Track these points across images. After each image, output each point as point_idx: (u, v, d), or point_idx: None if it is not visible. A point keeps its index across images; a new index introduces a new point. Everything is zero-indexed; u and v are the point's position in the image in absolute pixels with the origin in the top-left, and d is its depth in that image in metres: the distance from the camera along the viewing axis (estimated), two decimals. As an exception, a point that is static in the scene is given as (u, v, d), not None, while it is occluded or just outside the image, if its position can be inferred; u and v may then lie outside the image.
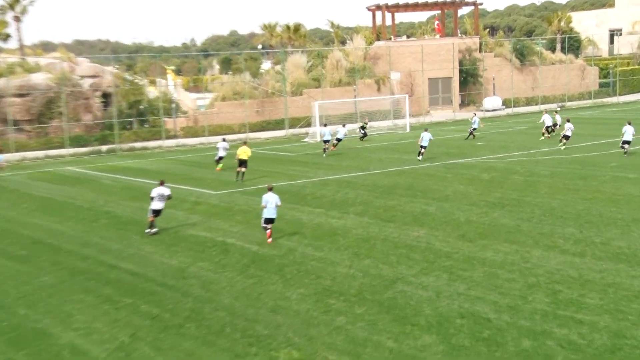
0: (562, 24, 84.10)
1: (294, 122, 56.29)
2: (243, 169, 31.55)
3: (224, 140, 36.91)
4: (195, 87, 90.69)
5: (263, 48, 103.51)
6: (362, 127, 47.70)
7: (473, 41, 68.33)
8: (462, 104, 67.79)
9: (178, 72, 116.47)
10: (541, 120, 43.45)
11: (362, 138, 47.02)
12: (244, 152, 31.41)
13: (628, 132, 33.40)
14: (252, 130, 54.99)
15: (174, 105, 54.49)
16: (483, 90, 66.23)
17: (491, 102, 65.44)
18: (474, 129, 44.30)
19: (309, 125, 53.76)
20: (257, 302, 15.42)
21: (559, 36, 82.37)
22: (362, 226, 21.82)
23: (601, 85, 76.20)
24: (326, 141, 40.14)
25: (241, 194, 28.56)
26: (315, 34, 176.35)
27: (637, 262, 16.55)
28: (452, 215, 22.60)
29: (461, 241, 19.37)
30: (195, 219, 24.25)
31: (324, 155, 39.62)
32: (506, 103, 66.58)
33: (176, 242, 21.09)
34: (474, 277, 16.20)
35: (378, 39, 69.81)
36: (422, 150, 35.48)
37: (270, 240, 20.47)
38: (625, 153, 33.48)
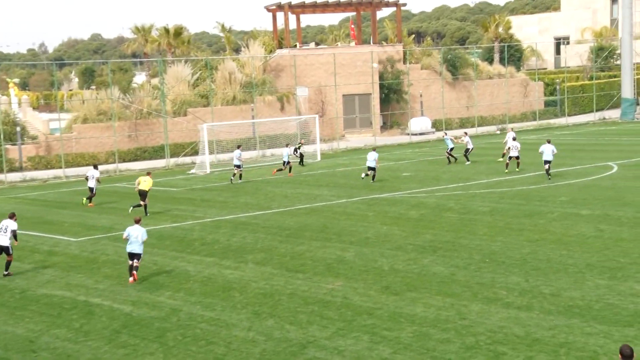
0: (500, 29, 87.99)
1: (177, 150, 55.99)
2: (143, 203, 33.30)
3: (94, 167, 37.72)
4: (47, 105, 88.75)
5: (135, 56, 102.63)
6: (296, 150, 49.85)
7: (395, 50, 70.40)
8: (384, 126, 69.42)
9: (24, 86, 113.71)
10: (505, 140, 46.29)
11: (300, 162, 49.28)
12: (144, 183, 33.21)
13: (547, 152, 37.58)
14: (123, 160, 54.25)
15: (18, 129, 53.08)
16: (409, 109, 68.14)
17: (418, 124, 67.35)
18: (452, 149, 46.10)
19: (195, 153, 53.56)
20: (132, 379, 15.16)
21: (496, 44, 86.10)
22: (264, 278, 21.91)
23: (547, 103, 79.92)
24: (237, 166, 42.34)
25: (109, 241, 28.11)
26: (201, 40, 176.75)
27: (592, 316, 17.36)
28: (374, 263, 23.04)
29: (385, 294, 19.77)
30: (49, 274, 23.64)
31: (239, 181, 42.47)
32: (436, 125, 68.67)
33: (23, 305, 20.48)
34: (401, 338, 16.56)
35: (280, 46, 70.73)
36: (371, 172, 39.54)
37: (131, 279, 22.00)
38: (548, 175, 37.39)
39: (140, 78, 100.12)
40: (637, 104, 76.72)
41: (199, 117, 57.27)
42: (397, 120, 70.09)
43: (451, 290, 19.77)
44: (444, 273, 21.50)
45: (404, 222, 29.00)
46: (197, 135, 53.93)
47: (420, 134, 66.42)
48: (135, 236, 21.90)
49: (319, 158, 52.85)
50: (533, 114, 75.04)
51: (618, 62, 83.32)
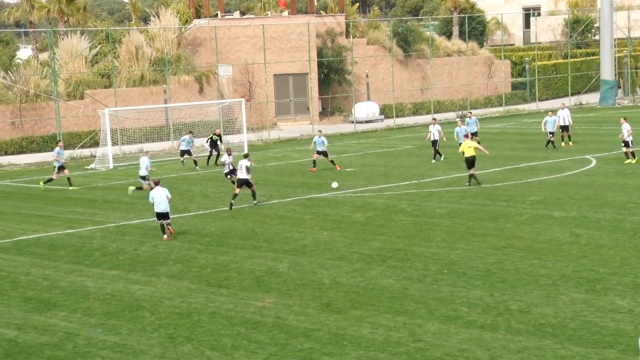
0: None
1: (73, 140, 55.29)
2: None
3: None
4: None
5: (19, 26, 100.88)
6: (214, 142, 47.25)
7: (337, 21, 70.72)
8: (324, 113, 69.64)
9: None
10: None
11: (216, 160, 46.86)
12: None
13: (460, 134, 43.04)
14: (5, 153, 53.46)
15: None
16: (353, 92, 68.50)
17: (364, 109, 67.74)
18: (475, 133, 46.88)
19: (95, 144, 52.98)
20: (19, 419, 14.99)
21: (455, 15, 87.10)
22: (180, 295, 21.84)
23: (515, 86, 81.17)
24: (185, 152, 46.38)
25: (-11, 252, 27.75)
26: (101, 6, 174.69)
27: (567, 336, 17.70)
28: (312, 276, 23.15)
29: (325, 312, 19.89)
30: None
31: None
32: (386, 111, 69.14)
33: None
34: (345, 365, 16.69)
35: (198, 15, 70.41)
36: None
37: (166, 237, 28.01)
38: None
39: (25, 52, 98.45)
40: (619, 87, 78.39)
41: (99, 100, 56.63)
42: (339, 106, 70.37)
43: (403, 307, 19.99)
44: (394, 287, 21.71)
45: (348, 227, 29.17)
46: (97, 122, 53.29)
47: (367, 121, 66.81)
48: (159, 196, 27.82)
49: (245, 150, 52.73)
50: (499, 99, 76.12)
51: (597, 37, 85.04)
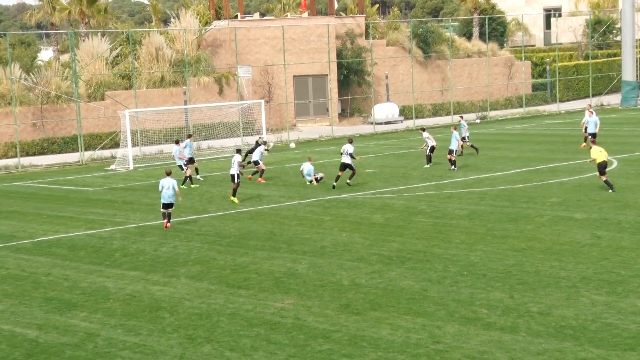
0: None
1: (93, 141, 55.51)
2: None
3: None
4: None
5: (41, 28, 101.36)
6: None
7: (357, 22, 70.68)
8: (343, 114, 69.64)
9: None
10: (584, 121, 47.21)
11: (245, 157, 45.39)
12: None
13: (453, 140, 41.19)
14: (27, 154, 53.68)
15: None
16: (372, 93, 68.45)
17: (384, 111, 67.69)
18: (463, 139, 45.74)
19: (116, 145, 53.16)
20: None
21: (476, 17, 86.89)
22: (200, 295, 21.90)
23: (535, 87, 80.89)
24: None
25: (10, 252, 27.84)
26: (121, 8, 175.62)
27: (588, 338, 17.65)
28: (332, 277, 23.15)
29: (344, 314, 19.90)
30: (-64, 293, 23.33)
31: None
32: (405, 113, 69.08)
33: None
34: (364, 367, 16.69)
35: (218, 17, 70.62)
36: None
37: (169, 225, 30.20)
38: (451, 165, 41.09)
39: (46, 54, 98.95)
40: (641, 88, 78.07)
41: (120, 101, 56.86)
42: (359, 107, 70.34)
43: (423, 309, 19.97)
44: (414, 288, 21.69)
45: (367, 228, 29.16)
46: (118, 123, 53.49)
47: (386, 122, 66.76)
48: (167, 187, 29.77)
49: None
50: (519, 100, 75.88)
51: (618, 38, 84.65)
